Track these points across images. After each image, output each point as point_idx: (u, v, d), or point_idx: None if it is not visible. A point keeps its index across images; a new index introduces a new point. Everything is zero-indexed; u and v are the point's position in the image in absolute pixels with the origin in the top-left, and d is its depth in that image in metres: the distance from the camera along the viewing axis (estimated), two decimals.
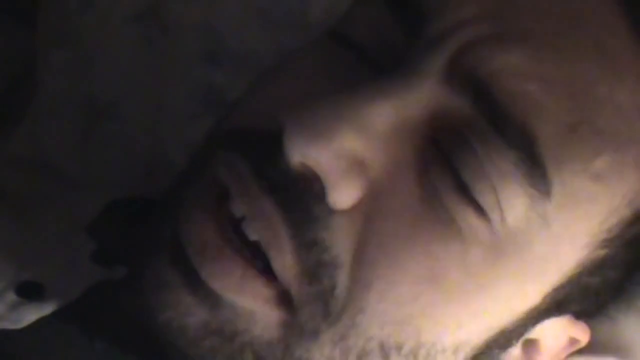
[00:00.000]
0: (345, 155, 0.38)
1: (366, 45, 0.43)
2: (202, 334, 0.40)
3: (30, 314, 0.46)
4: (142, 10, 0.61)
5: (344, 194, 0.39)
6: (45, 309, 0.46)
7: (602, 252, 0.43)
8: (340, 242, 0.39)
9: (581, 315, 0.46)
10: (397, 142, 0.40)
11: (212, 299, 0.39)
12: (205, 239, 0.40)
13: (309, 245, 0.39)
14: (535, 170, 0.39)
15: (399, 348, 0.41)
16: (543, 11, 0.41)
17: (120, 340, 0.45)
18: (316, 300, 0.39)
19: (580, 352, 0.49)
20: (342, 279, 0.39)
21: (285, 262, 0.39)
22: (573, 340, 0.47)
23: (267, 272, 0.40)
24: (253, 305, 0.40)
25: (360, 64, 0.43)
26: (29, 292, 0.47)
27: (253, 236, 0.40)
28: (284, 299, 0.40)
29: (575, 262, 0.43)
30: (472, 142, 0.39)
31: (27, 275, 0.48)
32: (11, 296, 0.47)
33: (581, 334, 0.47)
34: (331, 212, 0.39)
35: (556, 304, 0.44)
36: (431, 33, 0.41)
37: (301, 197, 0.39)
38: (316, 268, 0.39)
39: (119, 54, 0.61)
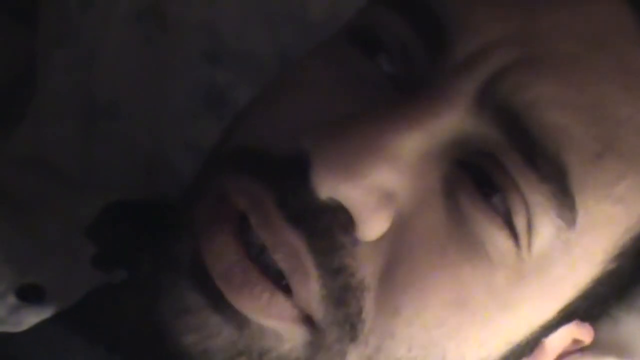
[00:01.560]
0: (376, 191, 0.38)
1: (385, 52, 0.42)
2: (230, 354, 0.40)
3: (31, 317, 0.46)
4: (143, 9, 0.61)
5: (373, 228, 0.39)
6: (45, 312, 0.46)
7: (613, 265, 0.43)
8: (365, 268, 0.39)
9: (586, 318, 0.47)
10: (425, 170, 0.39)
11: (238, 319, 0.39)
12: (230, 263, 0.39)
13: (334, 272, 0.39)
14: (565, 202, 0.39)
15: None
16: (566, 31, 0.41)
17: (120, 344, 0.45)
18: (343, 324, 0.39)
19: (582, 351, 0.49)
20: (369, 302, 0.39)
21: (310, 290, 0.39)
22: (577, 341, 0.48)
23: (292, 296, 0.39)
24: (280, 326, 0.39)
25: (378, 73, 0.42)
26: (30, 295, 0.47)
27: (276, 264, 0.39)
28: (310, 321, 0.39)
29: (590, 278, 0.43)
30: (509, 168, 0.39)
31: (27, 278, 0.47)
32: (11, 299, 0.46)
33: (586, 335, 0.47)
34: (357, 241, 0.39)
35: (568, 315, 0.44)
36: (457, 56, 0.40)
37: (326, 228, 0.38)
38: (342, 292, 0.39)
39: (120, 53, 0.61)
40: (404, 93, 0.41)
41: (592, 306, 0.46)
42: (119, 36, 0.61)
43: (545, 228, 0.40)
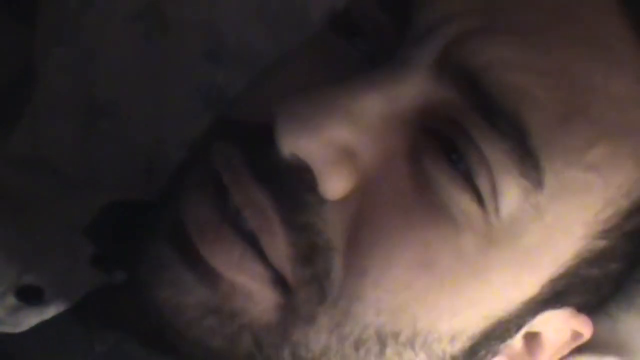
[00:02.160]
0: (334, 146, 0.39)
1: (362, 36, 0.43)
2: (201, 313, 0.40)
3: (30, 318, 0.46)
4: (143, 8, 0.61)
5: (334, 184, 0.39)
6: (45, 313, 0.46)
7: (600, 244, 0.43)
8: (332, 227, 0.40)
9: (583, 308, 0.46)
10: (388, 133, 0.40)
11: (211, 277, 0.40)
12: (205, 218, 0.40)
13: (300, 229, 0.39)
14: (528, 161, 0.39)
15: (395, 336, 0.41)
16: (533, 3, 0.42)
17: (120, 344, 0.45)
18: (311, 283, 0.40)
19: (581, 350, 0.49)
20: (337, 263, 0.40)
21: (277, 246, 0.39)
22: (576, 334, 0.47)
23: (264, 256, 0.40)
24: (251, 285, 0.40)
25: (356, 57, 0.43)
26: (29, 295, 0.47)
27: (248, 223, 0.40)
28: (280, 282, 0.40)
29: (572, 253, 0.43)
30: (469, 130, 0.39)
31: (27, 279, 0.48)
32: (11, 300, 0.47)
33: (583, 327, 0.47)
34: (323, 201, 0.39)
35: (555, 295, 0.44)
36: (420, 26, 0.41)
37: (292, 186, 0.39)
38: (309, 250, 0.39)
39: (119, 52, 0.61)
40: (375, 66, 0.42)
41: (585, 291, 0.45)
42: (118, 35, 0.61)
43: (511, 189, 0.40)
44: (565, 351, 0.48)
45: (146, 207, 0.53)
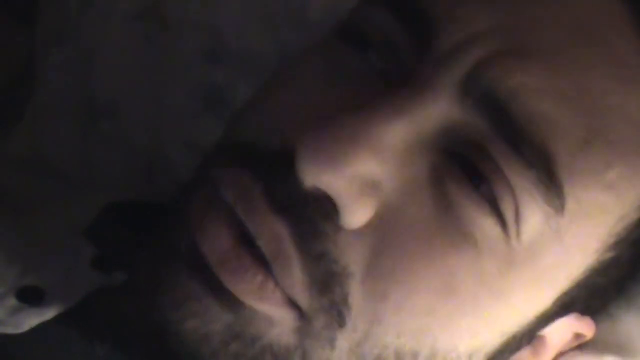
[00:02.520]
0: (359, 179, 0.39)
1: (374, 48, 0.43)
2: (226, 339, 0.40)
3: (31, 319, 0.46)
4: (143, 8, 0.61)
5: (356, 216, 0.39)
6: (46, 314, 0.46)
7: (609, 255, 0.44)
8: (349, 254, 0.39)
9: (586, 311, 0.47)
10: (411, 159, 0.40)
11: (235, 305, 0.40)
12: (225, 249, 0.40)
13: (316, 258, 0.39)
14: (552, 188, 0.40)
15: (414, 356, 0.41)
16: (553, 22, 0.41)
17: (121, 345, 0.45)
18: (329, 310, 0.40)
19: (581, 349, 0.49)
20: (355, 289, 0.40)
21: (292, 275, 0.39)
22: (578, 335, 0.48)
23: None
24: (271, 311, 0.40)
25: (368, 69, 0.43)
26: (30, 296, 0.47)
27: (264, 252, 0.40)
28: (296, 308, 0.40)
29: (585, 267, 0.43)
30: (495, 156, 0.39)
31: (27, 279, 0.48)
32: (12, 301, 0.47)
33: (586, 328, 0.47)
34: (340, 228, 0.39)
35: (564, 306, 0.44)
36: (443, 46, 0.40)
37: (310, 215, 0.39)
38: (325, 279, 0.39)
39: (119, 52, 0.61)
40: (392, 84, 0.41)
41: (591, 298, 0.46)
42: (118, 35, 0.61)
43: (533, 215, 0.40)
44: (567, 349, 0.48)
45: (146, 207, 0.53)
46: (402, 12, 0.42)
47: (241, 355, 0.40)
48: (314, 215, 0.39)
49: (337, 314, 0.40)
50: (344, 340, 0.40)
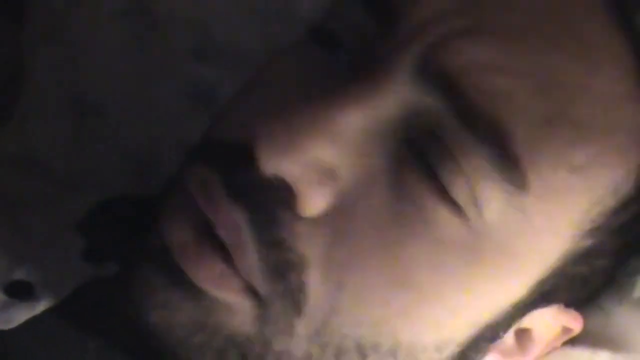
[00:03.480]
0: (315, 166, 0.39)
1: (345, 45, 0.43)
2: (191, 329, 0.40)
3: (21, 314, 0.46)
4: (130, 5, 0.61)
5: (313, 203, 0.39)
6: (36, 309, 0.46)
7: (587, 242, 0.43)
8: (307, 243, 0.40)
9: (571, 303, 0.46)
10: (368, 147, 0.40)
11: (196, 294, 0.40)
12: (185, 239, 0.41)
13: (272, 245, 0.39)
14: (509, 165, 0.39)
15: (376, 348, 0.41)
16: (512, 4, 0.41)
17: (113, 338, 0.45)
18: (285, 297, 0.40)
19: (575, 344, 0.49)
20: (312, 278, 0.40)
21: (247, 260, 0.39)
22: (566, 329, 0.47)
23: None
24: (230, 298, 0.40)
25: (338, 67, 0.43)
26: (19, 291, 0.47)
27: (223, 238, 0.40)
28: (253, 294, 0.40)
29: (560, 253, 0.43)
30: (445, 138, 0.39)
31: (16, 274, 0.48)
32: (1, 296, 0.47)
33: (573, 322, 0.47)
34: (298, 217, 0.39)
35: (542, 295, 0.44)
36: (401, 31, 0.40)
37: (268, 203, 0.39)
38: (281, 266, 0.39)
39: (107, 50, 0.61)
40: (348, 72, 0.42)
41: (574, 288, 0.45)
42: (106, 34, 0.61)
43: (493, 194, 0.40)
44: (557, 344, 0.48)
45: (137, 202, 0.53)
46: (368, 2, 0.42)
47: (206, 346, 0.41)
48: (271, 203, 0.39)
49: (294, 301, 0.40)
50: (302, 328, 0.40)
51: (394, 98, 0.40)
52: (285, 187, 0.39)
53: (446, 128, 0.39)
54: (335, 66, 0.43)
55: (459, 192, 0.39)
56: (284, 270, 0.39)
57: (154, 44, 0.60)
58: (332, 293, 0.40)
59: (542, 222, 0.41)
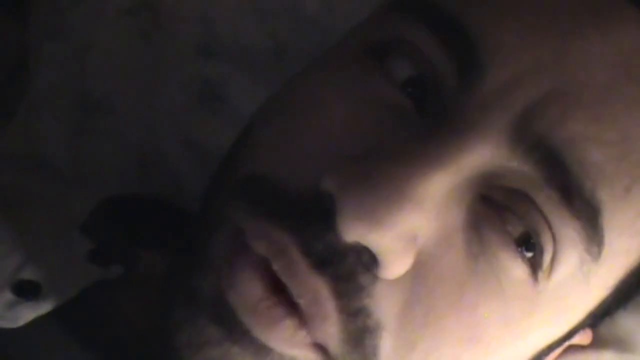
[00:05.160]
0: (405, 236, 0.37)
1: (411, 72, 0.41)
2: None
3: (27, 313, 0.46)
4: (136, 2, 0.61)
5: (397, 270, 0.38)
6: (42, 308, 0.46)
7: (619, 285, 0.44)
8: (384, 307, 0.38)
9: (589, 326, 0.47)
10: (449, 206, 0.38)
11: (260, 349, 0.39)
12: (254, 299, 0.38)
13: (354, 315, 0.38)
14: (595, 238, 0.39)
15: None
16: (598, 59, 0.40)
17: (117, 341, 0.45)
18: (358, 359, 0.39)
19: (582, 347, 0.49)
20: (386, 341, 0.39)
21: (328, 331, 0.38)
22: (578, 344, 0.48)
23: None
24: (298, 354, 0.39)
25: (407, 96, 0.40)
26: (26, 290, 0.47)
27: (302, 306, 0.38)
28: (328, 355, 0.39)
29: (601, 301, 0.43)
30: (541, 205, 0.38)
31: (23, 273, 0.48)
32: (8, 295, 0.47)
33: (585, 339, 0.48)
34: (376, 280, 0.38)
35: (573, 332, 0.45)
36: (489, 84, 0.38)
37: (349, 270, 0.38)
38: (359, 333, 0.38)
39: (113, 47, 0.61)
40: (430, 120, 0.40)
41: (596, 317, 0.46)
42: (111, 30, 0.60)
43: (570, 261, 0.40)
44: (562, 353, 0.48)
45: (142, 202, 0.53)
46: (439, 29, 0.40)
47: None
48: (353, 270, 0.38)
49: None
50: None
51: (481, 159, 0.38)
52: (366, 252, 0.37)
53: (540, 194, 0.38)
54: (396, 93, 0.41)
55: (546, 255, 0.39)
56: (362, 337, 0.38)
57: (159, 41, 0.60)
58: (404, 353, 0.39)
59: (597, 281, 0.41)
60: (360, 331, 0.38)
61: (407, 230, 0.37)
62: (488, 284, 0.39)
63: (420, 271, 0.38)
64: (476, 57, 0.39)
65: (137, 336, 0.44)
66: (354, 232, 0.36)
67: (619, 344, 0.52)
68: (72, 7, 0.61)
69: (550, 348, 0.44)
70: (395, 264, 0.37)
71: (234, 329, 0.38)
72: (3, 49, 0.63)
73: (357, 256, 0.37)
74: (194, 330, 0.39)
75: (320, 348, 0.39)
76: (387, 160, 0.37)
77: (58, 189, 0.55)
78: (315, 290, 0.38)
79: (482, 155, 0.38)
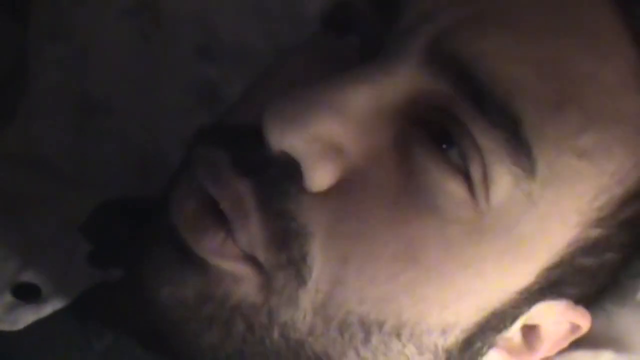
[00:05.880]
0: (321, 140, 0.39)
1: (355, 30, 0.44)
2: (199, 302, 0.41)
3: (28, 316, 0.46)
4: (136, 3, 0.61)
5: (318, 176, 0.40)
6: (42, 311, 0.46)
7: (595, 232, 0.43)
8: (311, 215, 0.40)
9: (579, 300, 0.46)
10: (377, 126, 0.40)
11: (201, 266, 0.41)
12: (188, 210, 0.41)
13: (275, 214, 0.40)
14: (520, 149, 0.40)
15: (379, 325, 0.41)
16: None
17: (118, 342, 0.45)
18: (288, 267, 0.40)
19: (577, 345, 0.49)
20: (315, 249, 0.40)
21: (250, 232, 0.40)
22: (574, 327, 0.47)
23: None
24: (234, 268, 0.40)
25: (348, 54, 0.43)
26: (26, 293, 0.47)
27: (225, 209, 0.41)
28: (256, 264, 0.40)
29: (567, 241, 0.43)
30: (461, 117, 0.40)
31: (24, 276, 0.48)
32: (8, 297, 0.47)
33: (581, 319, 0.47)
34: (304, 191, 0.40)
35: (550, 285, 0.44)
36: (411, 15, 0.41)
37: (275, 178, 0.40)
38: (283, 236, 0.40)
39: (113, 48, 0.61)
40: (358, 56, 0.43)
41: (581, 282, 0.45)
42: (112, 31, 0.61)
43: (502, 177, 0.40)
44: (565, 344, 0.48)
45: (141, 203, 0.53)
46: None
47: (215, 318, 0.41)
48: (277, 177, 0.40)
49: (297, 272, 0.40)
50: (307, 301, 0.40)
51: (402, 80, 0.40)
52: (292, 164, 0.39)
53: (460, 109, 0.40)
54: (345, 52, 0.44)
55: (474, 168, 0.40)
56: (286, 240, 0.40)
57: (159, 42, 0.60)
58: (336, 266, 0.40)
59: (548, 208, 0.41)
60: (283, 233, 0.40)
61: (324, 134, 0.39)
62: (422, 199, 0.40)
63: (349, 187, 0.40)
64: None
65: (138, 337, 0.44)
66: (273, 135, 0.39)
67: (617, 343, 0.51)
68: (72, 8, 0.61)
69: (526, 298, 0.44)
70: (315, 169, 0.39)
71: (179, 248, 0.41)
72: (3, 50, 0.63)
73: (283, 166, 0.40)
74: (154, 258, 0.42)
75: (254, 262, 0.40)
76: (312, 82, 0.40)
77: (58, 190, 0.55)
78: (237, 193, 0.40)
79: (402, 76, 0.40)
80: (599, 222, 0.43)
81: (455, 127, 0.40)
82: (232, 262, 0.40)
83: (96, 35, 0.60)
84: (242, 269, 0.40)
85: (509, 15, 0.41)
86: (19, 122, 0.60)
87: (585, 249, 0.43)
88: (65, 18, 0.60)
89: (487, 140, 0.39)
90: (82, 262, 0.49)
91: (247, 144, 0.40)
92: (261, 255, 0.40)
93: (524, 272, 0.43)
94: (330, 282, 0.40)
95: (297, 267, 0.40)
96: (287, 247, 0.40)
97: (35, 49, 0.61)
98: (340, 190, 0.40)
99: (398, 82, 0.40)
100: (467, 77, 0.40)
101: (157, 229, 0.43)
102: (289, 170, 0.40)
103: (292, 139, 0.39)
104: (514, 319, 0.44)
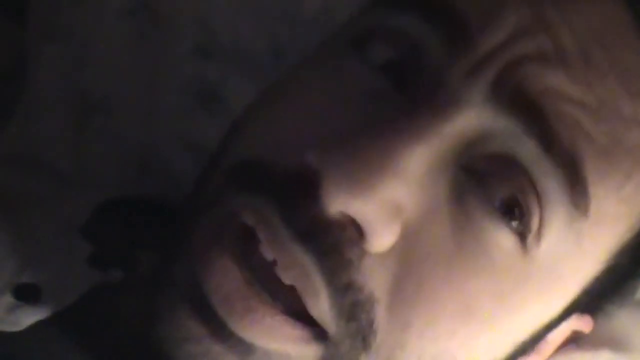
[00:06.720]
0: (387, 204, 0.38)
1: (396, 57, 0.42)
2: None
3: (28, 317, 0.46)
4: (135, 4, 0.60)
5: (383, 241, 0.38)
6: (42, 312, 0.46)
7: (612, 262, 0.44)
8: (375, 280, 0.39)
9: (585, 311, 0.47)
10: (433, 178, 0.39)
11: (242, 347, 0.39)
12: (230, 289, 0.39)
13: (344, 289, 0.38)
14: (579, 187, 0.40)
15: None
16: (571, 26, 0.41)
17: (118, 347, 0.45)
18: (355, 336, 0.39)
19: (577, 345, 0.50)
20: (380, 314, 0.39)
21: (321, 307, 0.39)
22: (577, 332, 0.48)
23: (299, 313, 0.39)
24: (286, 348, 0.39)
25: (387, 79, 0.41)
26: (26, 294, 0.47)
27: (287, 281, 0.39)
28: (322, 337, 0.39)
29: (594, 275, 0.44)
30: (520, 158, 0.39)
31: (24, 277, 0.48)
32: (8, 298, 0.47)
33: (585, 326, 0.48)
34: (364, 254, 0.39)
35: (569, 311, 0.45)
36: (480, 51, 0.40)
37: (334, 243, 0.38)
38: (353, 308, 0.39)
39: (112, 48, 0.60)
40: (412, 97, 0.40)
41: (592, 300, 0.46)
42: (110, 31, 0.60)
43: (558, 217, 0.40)
44: (565, 344, 0.48)
45: (141, 204, 0.53)
46: (431, 15, 0.41)
47: None
48: (338, 242, 0.38)
49: (363, 339, 0.39)
50: None
51: (464, 126, 0.39)
52: (351, 225, 0.38)
53: (522, 148, 0.39)
54: (383, 74, 0.42)
55: (533, 222, 0.39)
56: (355, 311, 0.39)
57: (158, 41, 0.60)
58: (399, 331, 0.39)
59: (589, 247, 0.42)
60: (352, 305, 0.39)
61: (389, 199, 0.38)
62: (476, 256, 0.40)
63: (407, 246, 0.39)
64: (464, 28, 0.40)
65: (137, 340, 0.44)
66: (337, 201, 0.37)
67: (616, 343, 0.52)
68: (70, 8, 0.61)
69: (549, 327, 0.44)
70: (381, 234, 0.38)
71: (212, 323, 0.38)
72: (1, 50, 0.63)
73: (342, 229, 0.38)
74: (173, 322, 0.39)
75: (317, 337, 0.39)
76: (368, 135, 0.38)
77: (57, 191, 0.55)
78: (302, 263, 0.38)
79: (467, 118, 0.39)
80: (618, 253, 0.44)
81: (514, 172, 0.39)
82: (284, 343, 0.39)
83: (95, 35, 0.60)
84: (299, 347, 0.39)
85: (563, 54, 0.40)
86: (18, 122, 0.60)
87: (602, 277, 0.44)
88: (63, 18, 0.60)
89: (548, 181, 0.39)
90: (82, 263, 0.49)
91: (299, 198, 0.38)
92: (332, 329, 0.39)
93: (557, 306, 0.43)
94: (392, 345, 0.40)
95: (364, 335, 0.39)
96: (356, 318, 0.39)
97: (33, 49, 0.61)
98: (399, 248, 0.39)
99: (459, 126, 0.39)
100: (535, 113, 0.39)
101: (177, 277, 0.40)
102: (349, 233, 0.38)
103: (359, 205, 0.37)
104: (537, 344, 0.45)
